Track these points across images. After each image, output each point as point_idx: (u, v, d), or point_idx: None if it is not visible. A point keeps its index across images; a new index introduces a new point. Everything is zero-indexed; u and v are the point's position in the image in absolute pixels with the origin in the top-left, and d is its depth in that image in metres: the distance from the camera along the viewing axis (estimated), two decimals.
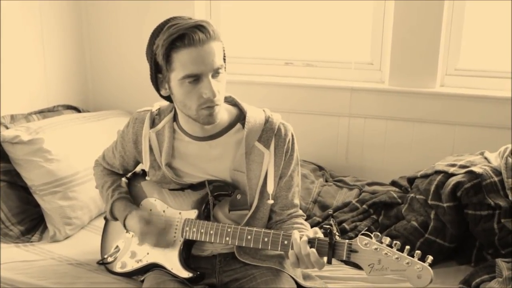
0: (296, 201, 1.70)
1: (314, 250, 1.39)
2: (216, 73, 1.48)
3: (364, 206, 2.12)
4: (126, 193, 1.77)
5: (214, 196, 1.61)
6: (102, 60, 2.90)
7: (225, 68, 1.52)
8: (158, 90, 1.57)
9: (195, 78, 1.46)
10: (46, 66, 2.66)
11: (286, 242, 1.46)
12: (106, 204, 1.77)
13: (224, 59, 1.53)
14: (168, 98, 1.59)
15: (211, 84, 1.46)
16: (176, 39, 1.42)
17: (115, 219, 1.76)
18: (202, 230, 1.58)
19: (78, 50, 2.87)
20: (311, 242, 1.41)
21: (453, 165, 1.98)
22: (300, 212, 1.71)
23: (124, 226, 1.70)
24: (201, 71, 1.45)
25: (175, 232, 1.63)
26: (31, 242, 2.11)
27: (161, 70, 1.51)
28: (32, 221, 2.20)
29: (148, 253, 1.68)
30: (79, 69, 2.89)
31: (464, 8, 2.39)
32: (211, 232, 1.56)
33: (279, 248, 1.47)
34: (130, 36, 2.79)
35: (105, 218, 1.86)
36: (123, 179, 1.85)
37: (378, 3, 2.50)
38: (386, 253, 1.33)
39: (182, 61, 1.44)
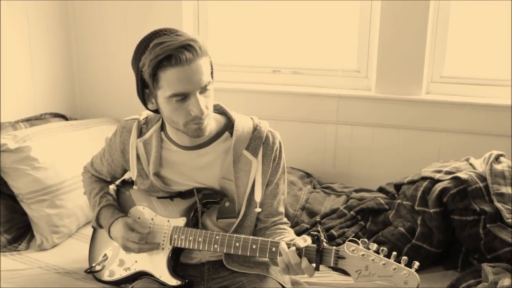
0: (281, 209, 1.70)
1: (305, 258, 1.40)
2: (204, 89, 1.47)
3: (352, 212, 2.13)
4: (113, 201, 1.77)
5: (202, 204, 1.61)
6: (90, 68, 2.90)
7: (212, 82, 1.51)
8: (145, 104, 1.56)
9: (183, 97, 1.45)
10: (33, 74, 2.65)
11: (274, 249, 1.47)
12: (93, 210, 1.77)
13: (212, 73, 1.52)
14: (156, 111, 1.57)
15: (199, 102, 1.45)
16: (163, 59, 1.41)
17: (100, 226, 1.75)
18: (190, 238, 1.57)
19: (65, 58, 2.86)
20: (299, 250, 1.42)
21: (439, 171, 2.00)
22: (285, 220, 1.71)
23: (109, 232, 1.69)
24: (188, 90, 1.44)
25: (164, 240, 1.63)
26: (18, 250, 2.10)
27: (148, 86, 1.49)
28: (19, 230, 2.18)
29: (136, 261, 1.67)
30: (66, 77, 2.88)
31: (448, 16, 2.42)
32: (200, 239, 1.56)
33: (267, 255, 1.48)
34: (118, 44, 2.79)
35: (93, 226, 1.85)
36: (112, 186, 1.85)
37: (364, 11, 2.52)
38: (373, 259, 1.34)
39: (169, 80, 1.43)
